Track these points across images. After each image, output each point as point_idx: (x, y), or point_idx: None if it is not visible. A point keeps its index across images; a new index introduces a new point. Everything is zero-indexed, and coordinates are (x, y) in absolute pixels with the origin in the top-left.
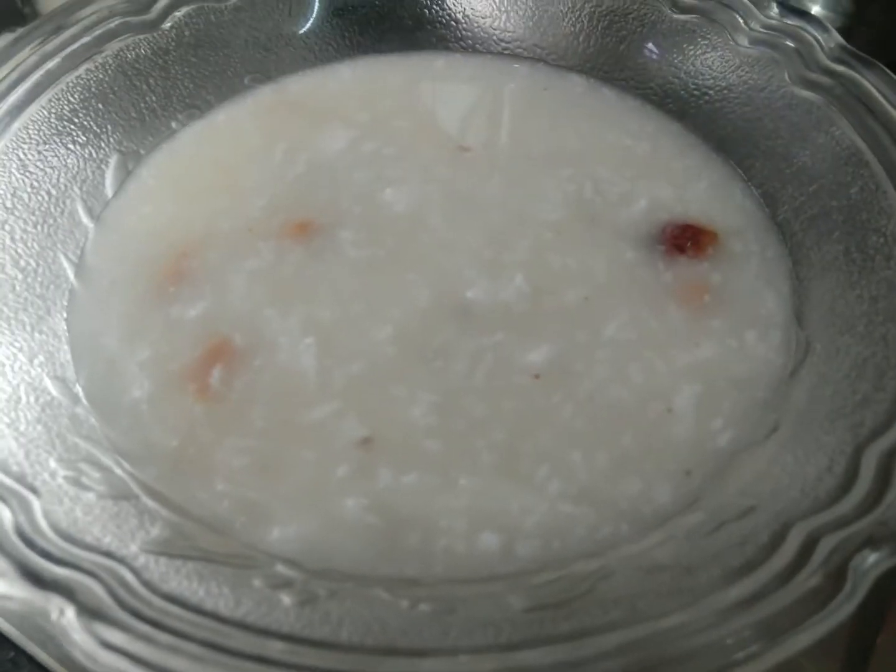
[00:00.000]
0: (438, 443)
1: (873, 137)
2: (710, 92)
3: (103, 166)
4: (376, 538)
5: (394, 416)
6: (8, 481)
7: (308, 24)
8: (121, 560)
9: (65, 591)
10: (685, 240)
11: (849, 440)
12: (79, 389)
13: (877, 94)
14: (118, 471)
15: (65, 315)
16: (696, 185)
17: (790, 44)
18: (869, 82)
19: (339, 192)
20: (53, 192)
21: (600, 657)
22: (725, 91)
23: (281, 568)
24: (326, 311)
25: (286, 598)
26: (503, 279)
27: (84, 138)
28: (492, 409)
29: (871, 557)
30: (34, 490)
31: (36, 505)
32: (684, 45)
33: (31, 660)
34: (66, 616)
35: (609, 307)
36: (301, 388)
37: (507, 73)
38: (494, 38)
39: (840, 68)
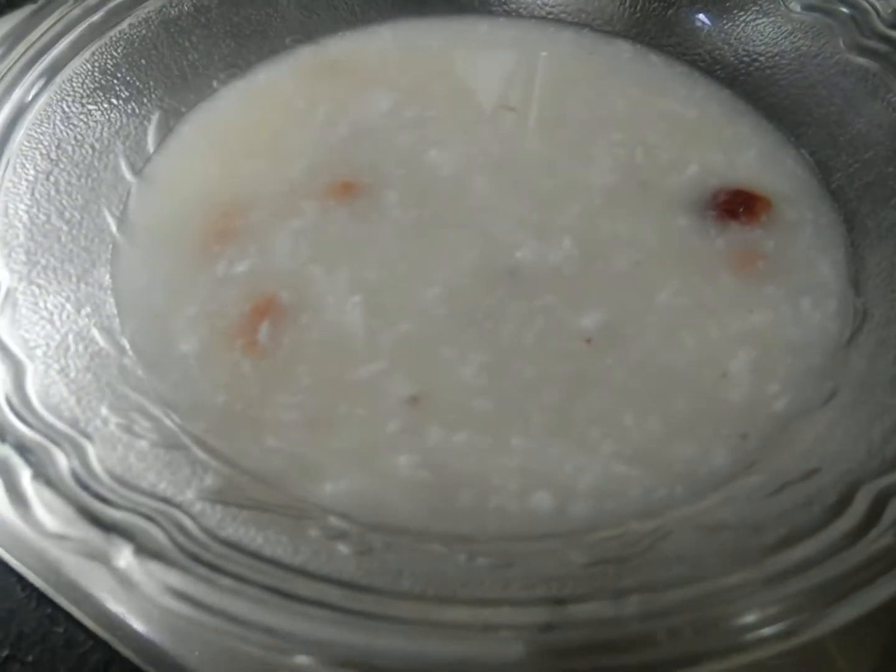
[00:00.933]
0: (489, 402)
1: None
2: (762, 59)
3: (146, 122)
4: (428, 495)
5: (443, 376)
6: (61, 426)
7: None
8: (177, 506)
9: (124, 533)
10: (737, 205)
11: None
12: (125, 342)
13: None
14: (168, 422)
15: (109, 268)
16: (746, 152)
17: (844, 10)
18: None
19: (383, 154)
20: (97, 145)
21: (664, 612)
22: (777, 58)
23: (335, 520)
24: (373, 270)
25: (343, 548)
26: (552, 242)
27: (127, 93)
28: (542, 371)
29: None
30: (87, 436)
31: (90, 450)
32: (735, 11)
33: (69, 617)
34: (125, 558)
35: (660, 273)
36: (349, 346)
37: (552, 38)
38: (539, 2)
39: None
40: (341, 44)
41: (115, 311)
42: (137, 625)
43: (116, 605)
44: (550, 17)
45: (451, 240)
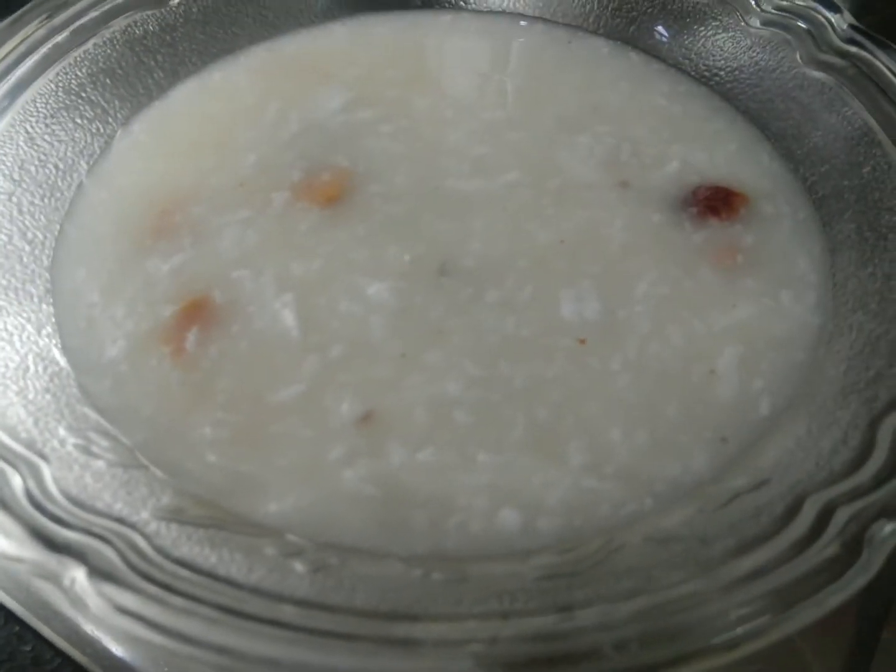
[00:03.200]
0: (446, 414)
1: (885, 117)
2: (721, 73)
3: (110, 141)
4: (381, 515)
5: (393, 390)
6: (17, 447)
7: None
8: (132, 526)
9: (76, 554)
10: (717, 201)
11: (863, 414)
12: (56, 347)
13: (889, 75)
14: (126, 440)
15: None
16: (725, 148)
17: (801, 24)
18: (881, 62)
19: (333, 150)
20: (61, 165)
21: (613, 625)
22: (736, 72)
23: (292, 538)
24: (316, 271)
25: (299, 566)
26: (524, 233)
27: (91, 113)
28: (524, 372)
29: (888, 527)
30: (43, 456)
31: (46, 471)
32: (695, 27)
33: (37, 635)
34: (77, 579)
35: (642, 266)
36: (283, 357)
37: (524, 30)
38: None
39: (852, 49)
40: (296, 41)
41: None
42: (106, 643)
43: (85, 623)
44: (515, 12)
45: (408, 235)
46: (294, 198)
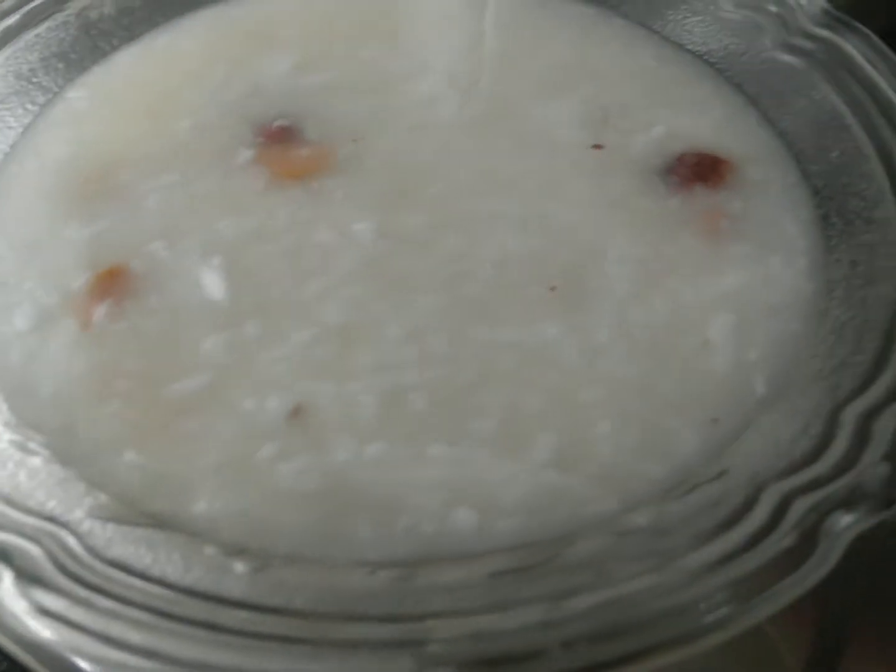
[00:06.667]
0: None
1: (855, 101)
2: (688, 57)
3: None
4: (322, 519)
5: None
6: None
7: None
8: (64, 525)
9: (1, 556)
10: (704, 167)
11: (825, 403)
12: None
13: (859, 58)
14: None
15: None
16: (710, 114)
17: (772, 8)
18: (852, 46)
19: (279, 116)
20: (10, 152)
21: (565, 621)
22: (705, 56)
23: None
24: (252, 242)
25: (239, 566)
26: (487, 192)
27: (43, 99)
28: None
29: (846, 519)
30: None
31: None
32: (664, 10)
33: None
34: (2, 582)
35: (622, 232)
36: (201, 328)
37: None
38: None
39: (822, 32)
40: (243, 4)
41: None
42: (53, 649)
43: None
44: None
45: (363, 198)
46: (230, 164)
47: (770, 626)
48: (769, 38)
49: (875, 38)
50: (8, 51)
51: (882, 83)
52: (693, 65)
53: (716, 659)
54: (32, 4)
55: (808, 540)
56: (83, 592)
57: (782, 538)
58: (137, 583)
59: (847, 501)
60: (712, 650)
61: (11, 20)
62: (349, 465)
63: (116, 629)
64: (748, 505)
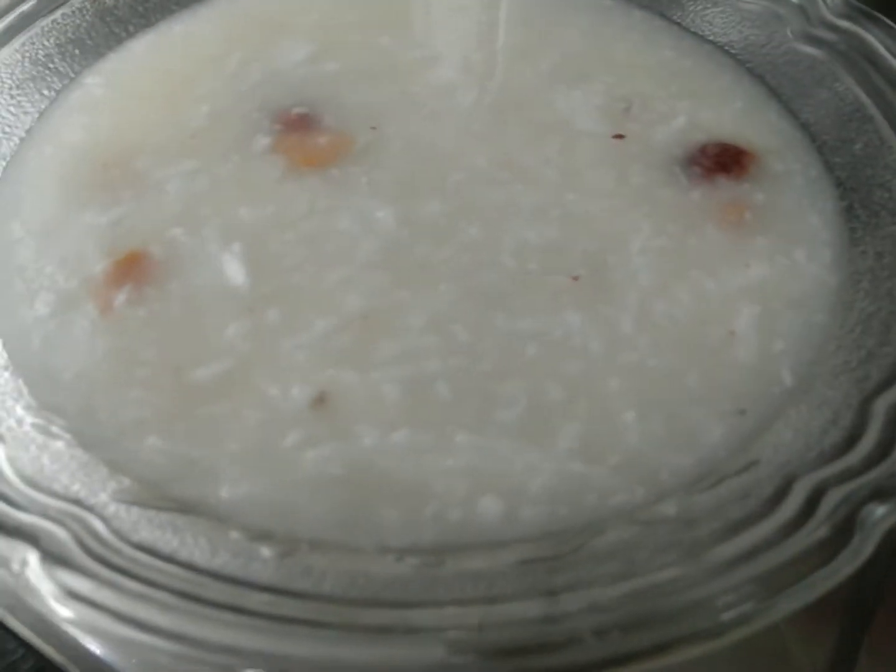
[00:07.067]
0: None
1: (878, 92)
2: (708, 48)
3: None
4: (347, 505)
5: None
6: None
7: None
8: (90, 508)
9: (28, 537)
10: (726, 158)
11: (854, 394)
12: None
13: (881, 49)
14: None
15: None
16: (731, 105)
17: None
18: (874, 37)
19: (297, 103)
20: (26, 137)
21: (592, 610)
22: (726, 48)
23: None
24: (273, 229)
25: (266, 551)
26: (508, 180)
27: (59, 84)
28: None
29: (880, 510)
30: None
31: (1, 452)
32: (683, 1)
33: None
34: (29, 563)
35: (645, 224)
36: (221, 315)
37: None
38: None
39: (844, 23)
40: None
41: None
42: (72, 632)
43: (41, 611)
44: None
45: (383, 186)
46: (248, 151)
47: (786, 626)
48: (790, 28)
49: None
50: (24, 37)
51: None
52: (713, 56)
53: (727, 661)
54: None
55: (843, 531)
56: (110, 575)
57: (816, 529)
58: (164, 566)
59: (881, 492)
60: (723, 651)
61: (27, 6)
62: (374, 452)
63: (143, 611)
64: (779, 496)
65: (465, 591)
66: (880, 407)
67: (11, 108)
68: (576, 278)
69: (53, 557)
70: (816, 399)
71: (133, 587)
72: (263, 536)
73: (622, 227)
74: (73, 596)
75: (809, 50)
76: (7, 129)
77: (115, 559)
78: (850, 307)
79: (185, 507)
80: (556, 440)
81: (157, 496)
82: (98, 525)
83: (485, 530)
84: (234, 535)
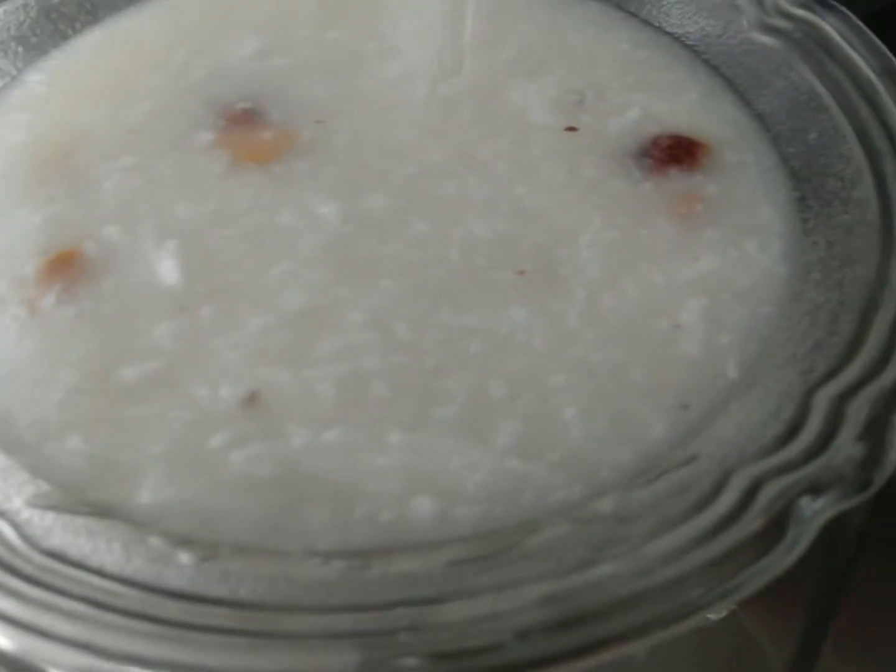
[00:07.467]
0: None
1: (833, 81)
2: (664, 40)
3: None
4: (275, 507)
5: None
6: None
7: None
8: (1, 514)
9: None
10: (679, 150)
11: (798, 385)
12: None
13: (837, 38)
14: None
15: None
16: (686, 97)
17: None
18: (830, 25)
19: (241, 98)
20: None
21: (522, 610)
22: (683, 39)
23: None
24: (210, 225)
25: (184, 556)
26: (458, 173)
27: (1, 82)
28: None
29: (817, 503)
30: None
31: None
32: None
33: None
34: None
35: (596, 216)
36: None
37: None
38: None
39: (800, 12)
40: None
41: None
42: None
43: None
44: None
45: (328, 181)
46: (189, 147)
47: (750, 621)
48: (746, 18)
49: (854, 17)
50: None
51: (860, 63)
52: (670, 47)
53: (696, 653)
54: None
55: (777, 524)
56: (15, 583)
57: (750, 523)
58: (73, 572)
59: (818, 485)
60: (692, 644)
61: None
62: (304, 451)
63: (47, 621)
64: (716, 490)
65: (388, 594)
66: (822, 399)
67: None
68: (522, 272)
69: None
70: (760, 392)
71: (36, 595)
72: (184, 542)
73: (572, 220)
74: None
75: (765, 39)
76: None
77: (22, 566)
78: (798, 298)
79: (103, 512)
80: (494, 438)
81: (75, 501)
82: (8, 532)
83: (417, 531)
84: (153, 540)
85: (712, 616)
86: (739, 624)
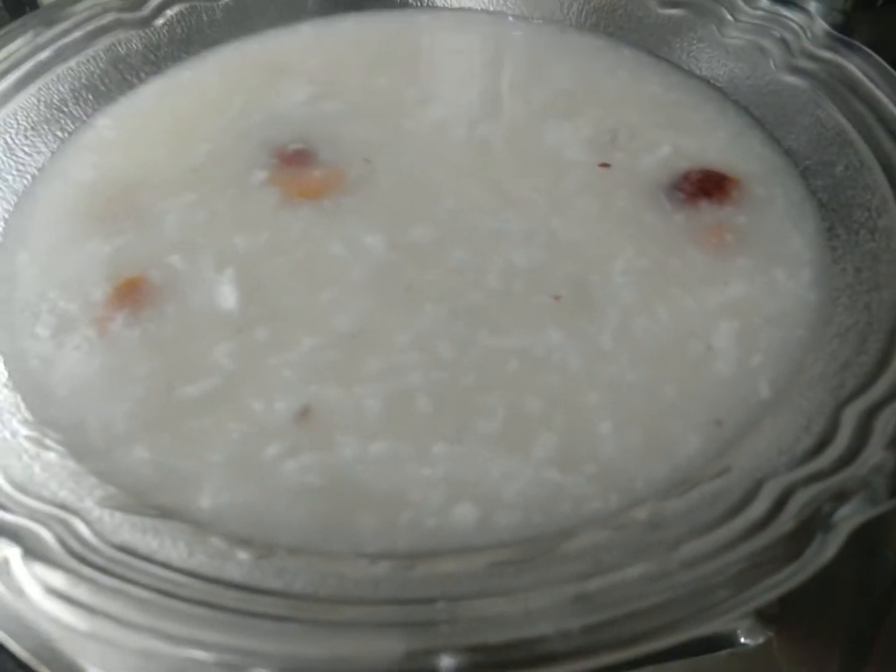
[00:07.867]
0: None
1: (858, 117)
2: (694, 82)
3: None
4: (325, 513)
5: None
6: None
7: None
8: (74, 512)
9: (12, 536)
10: (710, 184)
11: (828, 402)
12: None
13: (860, 76)
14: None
15: None
16: (715, 135)
17: (776, 33)
18: (853, 65)
19: (296, 141)
20: (39, 175)
21: (557, 608)
22: (712, 81)
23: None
24: (265, 261)
25: (243, 554)
26: (505, 210)
27: (72, 126)
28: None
29: (845, 509)
30: None
31: None
32: (671, 38)
33: None
34: (10, 560)
35: (628, 247)
36: (212, 337)
37: (512, 26)
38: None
39: (825, 53)
40: (263, 40)
41: None
42: (43, 632)
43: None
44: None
45: (374, 215)
46: (246, 184)
47: (787, 659)
48: (773, 60)
49: (876, 56)
50: (40, 82)
51: (884, 98)
52: (699, 89)
53: None
54: (64, 41)
55: (806, 530)
56: (88, 571)
57: (780, 528)
58: (141, 564)
59: (846, 492)
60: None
61: (44, 55)
62: (353, 462)
63: (118, 608)
64: (748, 499)
65: (430, 590)
66: (851, 414)
67: (26, 148)
68: (558, 298)
69: (34, 555)
70: (791, 408)
71: (108, 583)
72: (242, 542)
73: (606, 249)
74: (49, 591)
75: (792, 80)
76: (21, 168)
77: (94, 558)
78: (828, 322)
79: (167, 514)
80: (532, 450)
81: (141, 503)
82: (81, 527)
83: (459, 536)
84: (214, 540)
85: (748, 641)
86: (774, 661)
